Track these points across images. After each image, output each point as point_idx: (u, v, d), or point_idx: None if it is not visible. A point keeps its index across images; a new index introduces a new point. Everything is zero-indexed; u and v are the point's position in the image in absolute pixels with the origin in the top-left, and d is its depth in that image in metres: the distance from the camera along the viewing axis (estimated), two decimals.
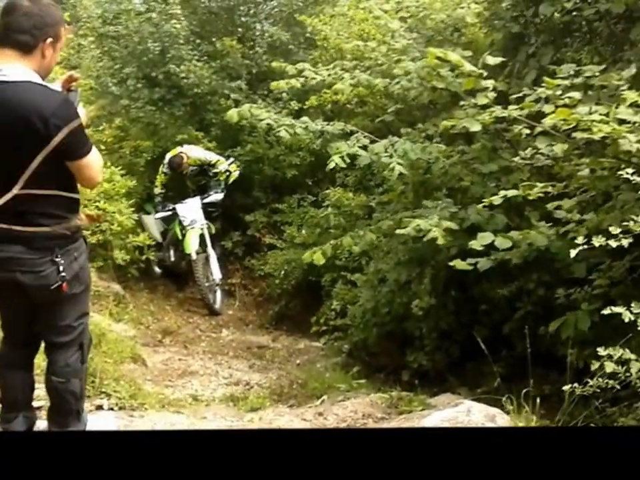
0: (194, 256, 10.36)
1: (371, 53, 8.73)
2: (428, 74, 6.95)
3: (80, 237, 4.17)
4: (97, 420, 4.99)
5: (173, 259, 11.09)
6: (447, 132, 7.31)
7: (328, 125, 7.64)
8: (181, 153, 10.98)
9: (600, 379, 4.32)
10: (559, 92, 5.32)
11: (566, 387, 4.54)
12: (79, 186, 4.11)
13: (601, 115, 5.05)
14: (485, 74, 6.16)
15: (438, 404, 5.86)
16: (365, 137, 7.21)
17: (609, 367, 4.09)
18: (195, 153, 11.07)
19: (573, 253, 4.63)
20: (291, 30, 12.30)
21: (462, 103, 6.40)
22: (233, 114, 7.46)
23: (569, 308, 6.06)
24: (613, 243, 4.43)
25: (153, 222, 11.09)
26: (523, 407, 4.97)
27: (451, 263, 5.93)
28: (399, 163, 6.64)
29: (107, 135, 11.31)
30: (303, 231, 10.66)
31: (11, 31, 3.83)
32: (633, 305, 4.15)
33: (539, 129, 5.61)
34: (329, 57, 11.04)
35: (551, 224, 5.80)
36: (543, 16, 7.10)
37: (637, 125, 5.00)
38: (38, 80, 3.85)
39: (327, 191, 10.32)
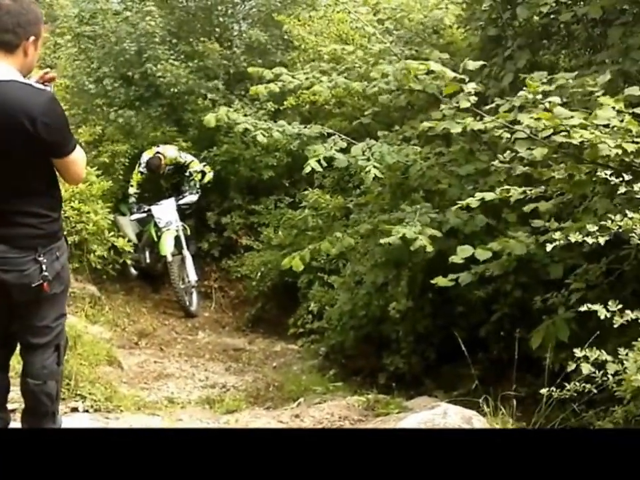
0: (169, 258, 10.32)
1: (348, 56, 8.72)
2: (405, 76, 6.95)
3: (62, 236, 4.17)
4: (72, 422, 4.96)
5: (148, 260, 11.03)
6: (424, 134, 7.32)
7: (305, 127, 7.62)
8: (158, 153, 10.93)
9: (577, 383, 4.32)
10: (539, 96, 5.32)
11: (543, 390, 4.54)
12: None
13: (579, 118, 5.06)
14: (467, 79, 6.17)
15: (414, 407, 5.85)
16: (342, 139, 7.19)
17: (586, 368, 4.09)
18: (170, 152, 11.03)
19: (549, 247, 4.64)
20: (269, 31, 12.27)
21: (442, 107, 6.39)
22: (210, 119, 7.42)
23: (545, 311, 6.07)
24: (590, 240, 4.43)
25: (128, 223, 11.03)
26: (499, 409, 4.97)
27: (433, 281, 5.94)
28: (375, 166, 6.63)
29: (83, 134, 11.23)
30: (280, 233, 10.62)
31: None
32: (610, 303, 4.15)
33: (518, 134, 5.61)
34: (306, 58, 11.03)
35: (529, 229, 5.80)
36: (522, 19, 7.12)
37: (615, 129, 5.01)
38: (22, 79, 3.84)
39: (305, 192, 10.29)
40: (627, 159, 5.03)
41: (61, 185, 4.16)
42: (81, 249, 9.47)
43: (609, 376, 4.07)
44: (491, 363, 6.90)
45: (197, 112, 11.44)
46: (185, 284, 10.46)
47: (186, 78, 11.46)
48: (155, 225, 10.77)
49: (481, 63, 6.63)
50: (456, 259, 5.74)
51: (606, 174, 4.61)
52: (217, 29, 12.62)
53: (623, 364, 3.97)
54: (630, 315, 4.06)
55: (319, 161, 6.77)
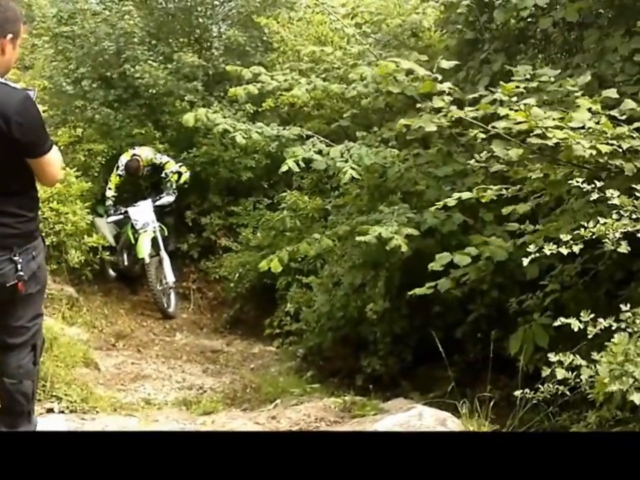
0: (147, 259, 10.29)
1: (327, 57, 8.73)
2: (384, 79, 6.97)
3: (38, 235, 4.16)
4: (47, 422, 4.94)
5: (126, 262, 11.01)
6: (402, 136, 7.35)
7: (284, 129, 7.63)
8: (135, 155, 10.92)
9: (550, 385, 4.34)
10: (514, 98, 5.35)
11: (517, 393, 4.56)
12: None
13: (554, 119, 5.09)
14: (440, 77, 6.19)
15: (391, 408, 5.86)
16: (320, 141, 7.20)
17: (560, 373, 4.11)
18: (146, 153, 11.02)
19: (525, 261, 4.66)
20: (248, 32, 12.25)
21: (418, 105, 6.41)
22: (189, 118, 7.42)
23: (521, 313, 6.10)
24: (564, 250, 4.46)
25: (105, 225, 10.98)
26: (474, 411, 4.99)
27: (411, 292, 5.99)
28: (352, 168, 6.65)
29: (62, 136, 11.19)
30: (258, 234, 10.62)
31: None
32: (582, 313, 4.17)
33: (494, 133, 5.64)
34: (286, 60, 11.02)
35: (504, 231, 5.84)
36: (499, 23, 7.16)
37: (590, 130, 5.05)
38: None
39: (283, 194, 10.29)
40: (601, 160, 5.06)
41: (39, 184, 4.15)
42: (59, 250, 9.43)
43: (582, 378, 4.09)
44: (467, 364, 6.92)
45: (175, 113, 11.42)
46: (163, 285, 10.43)
47: (164, 79, 11.42)
48: (132, 226, 10.73)
49: (455, 62, 6.66)
50: (435, 266, 5.77)
51: (578, 181, 4.63)
52: (196, 30, 12.59)
53: (595, 368, 3.99)
54: (603, 323, 4.08)
55: (296, 162, 6.79)
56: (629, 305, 4.12)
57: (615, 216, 4.39)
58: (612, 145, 4.97)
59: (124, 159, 10.96)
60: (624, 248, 4.34)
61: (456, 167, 6.82)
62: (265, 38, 12.23)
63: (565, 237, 4.47)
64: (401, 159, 7.14)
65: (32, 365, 4.31)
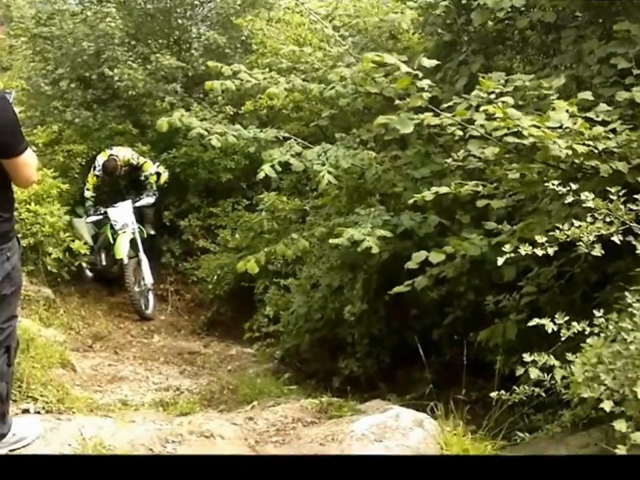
0: (125, 260, 10.27)
1: (307, 57, 8.74)
2: (362, 79, 6.98)
3: (14, 236, 4.13)
4: (22, 422, 4.91)
5: (104, 263, 10.97)
6: (381, 137, 7.36)
7: (261, 131, 7.62)
8: (112, 155, 10.91)
9: (526, 387, 4.36)
10: (493, 96, 5.37)
11: (493, 394, 4.58)
12: None
13: (532, 120, 5.12)
14: (421, 75, 6.21)
15: (368, 410, 5.86)
16: (298, 143, 7.20)
17: (534, 372, 4.13)
18: (124, 153, 11.01)
19: (500, 261, 4.68)
20: (228, 33, 12.26)
21: (396, 102, 6.42)
22: (162, 123, 7.40)
23: (498, 314, 6.12)
24: (539, 252, 4.47)
25: (84, 225, 10.95)
26: (450, 412, 5.00)
27: (391, 292, 6.01)
28: (329, 172, 6.65)
29: (40, 137, 11.15)
30: (237, 235, 10.60)
31: None
32: (557, 315, 4.19)
33: (471, 132, 5.66)
34: (265, 62, 11.02)
35: (482, 232, 5.85)
36: (476, 24, 7.18)
37: (567, 130, 5.07)
38: None
39: (261, 195, 10.29)
40: (577, 161, 5.09)
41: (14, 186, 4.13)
42: (36, 251, 9.39)
43: (557, 379, 4.11)
44: (444, 366, 6.93)
45: (154, 114, 11.38)
46: (141, 287, 10.40)
47: (143, 80, 11.41)
48: (111, 227, 10.71)
49: (435, 61, 6.68)
50: (411, 264, 5.79)
51: (554, 183, 4.65)
52: (176, 32, 12.59)
53: (570, 369, 4.01)
54: (577, 326, 4.10)
55: (273, 166, 6.78)
56: (602, 311, 4.14)
57: (589, 219, 4.41)
58: (588, 145, 4.99)
59: (101, 159, 10.95)
60: (598, 251, 4.36)
61: (434, 168, 6.83)
62: (244, 39, 12.23)
63: (540, 239, 4.48)
64: (378, 161, 7.15)
65: (6, 367, 4.28)
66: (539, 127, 5.02)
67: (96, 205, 10.99)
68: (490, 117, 5.31)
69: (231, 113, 11.27)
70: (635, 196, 4.43)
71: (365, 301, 7.40)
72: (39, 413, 5.50)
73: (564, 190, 4.56)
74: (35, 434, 4.77)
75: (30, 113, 11.73)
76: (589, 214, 4.44)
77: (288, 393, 7.07)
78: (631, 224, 4.38)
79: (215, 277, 10.48)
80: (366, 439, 4.72)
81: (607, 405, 3.74)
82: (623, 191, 4.48)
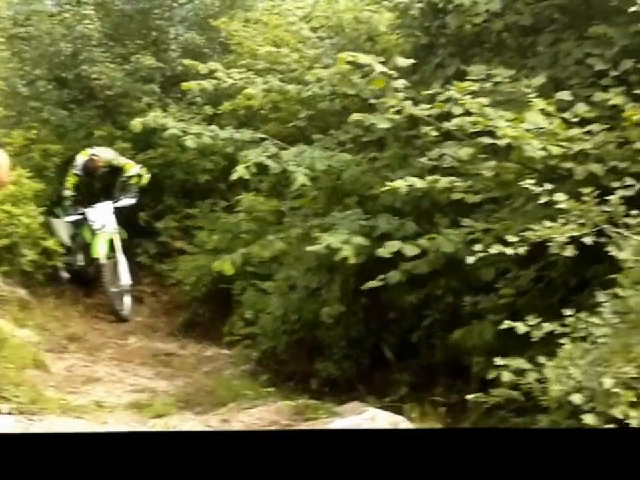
0: (103, 261, 10.21)
1: (284, 58, 8.72)
2: (340, 81, 6.97)
3: None
4: None
5: (81, 263, 10.89)
6: (358, 139, 7.35)
7: (237, 132, 7.59)
8: (93, 155, 10.83)
9: (502, 389, 4.36)
10: (468, 96, 5.37)
11: (469, 396, 4.57)
12: None
13: (507, 120, 5.12)
14: (396, 75, 6.20)
15: (345, 412, 5.86)
16: (274, 144, 7.18)
17: (506, 376, 4.14)
18: (105, 154, 10.94)
19: (470, 259, 4.68)
20: (206, 34, 12.21)
21: (372, 101, 6.41)
22: (136, 124, 7.36)
23: (476, 316, 6.12)
24: (509, 251, 4.48)
25: (62, 225, 10.87)
26: (426, 414, 5.00)
27: (363, 287, 6.01)
28: (304, 173, 6.63)
29: (16, 137, 11.06)
30: (214, 237, 10.55)
31: None
32: (529, 317, 4.20)
33: (447, 133, 5.67)
34: (242, 62, 10.99)
35: (457, 229, 5.86)
36: (452, 27, 7.18)
37: (542, 130, 5.07)
38: None
39: (240, 196, 10.26)
40: (551, 162, 5.09)
41: None
42: (11, 252, 9.32)
43: (534, 383, 4.11)
44: (423, 368, 6.93)
45: (132, 115, 11.26)
46: (118, 288, 10.33)
47: (121, 81, 11.36)
48: (89, 227, 10.63)
49: (411, 60, 6.67)
50: (383, 252, 5.79)
51: (528, 183, 4.65)
52: (154, 32, 12.51)
53: (542, 373, 4.02)
54: (547, 327, 4.11)
55: (248, 167, 6.76)
56: (574, 310, 4.15)
57: (561, 220, 4.42)
58: (563, 147, 5.00)
59: (80, 158, 10.87)
60: (570, 252, 4.37)
61: (411, 171, 6.82)
62: (222, 41, 12.19)
63: (511, 239, 4.49)
64: (356, 163, 7.14)
65: None
66: (514, 127, 5.02)
67: (75, 205, 10.91)
68: (467, 112, 5.31)
69: (209, 113, 11.21)
70: (607, 197, 4.43)
71: (342, 303, 7.38)
72: (10, 413, 5.46)
73: (538, 190, 4.56)
74: None
75: (7, 113, 11.63)
76: (562, 215, 4.45)
77: (265, 394, 7.03)
78: (603, 226, 4.38)
79: (193, 279, 10.41)
80: None
81: (577, 398, 3.75)
82: (597, 192, 4.48)
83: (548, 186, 4.56)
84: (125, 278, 10.33)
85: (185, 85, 7.61)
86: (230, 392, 7.13)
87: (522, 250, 4.48)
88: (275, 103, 9.91)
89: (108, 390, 7.50)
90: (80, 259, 10.90)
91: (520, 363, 4.15)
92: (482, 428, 4.83)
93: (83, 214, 10.70)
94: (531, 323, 4.18)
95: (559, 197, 4.44)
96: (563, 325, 4.09)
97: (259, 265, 9.23)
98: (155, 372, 8.46)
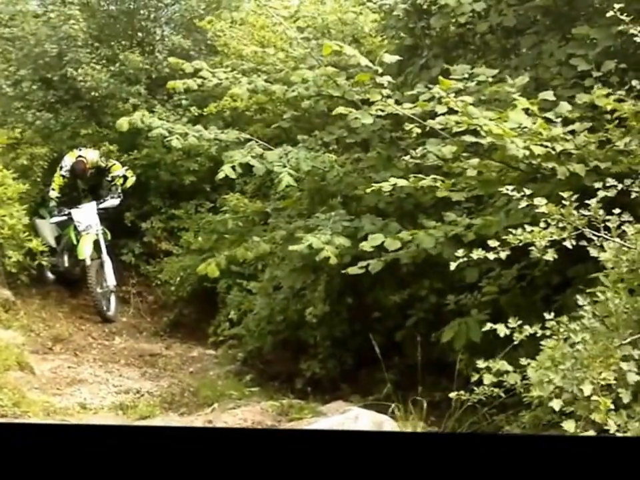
0: (88, 262, 10.18)
1: (269, 58, 8.73)
2: (325, 82, 6.99)
3: None
4: None
5: (66, 264, 10.86)
6: (343, 140, 7.37)
7: (222, 133, 7.59)
8: (81, 157, 10.82)
9: (486, 387, 4.38)
10: (452, 94, 5.40)
11: (453, 394, 4.59)
12: None
13: (491, 119, 5.14)
14: (381, 70, 6.23)
15: (329, 411, 5.88)
16: (259, 145, 7.19)
17: (487, 378, 4.16)
18: (91, 156, 10.92)
19: (452, 265, 4.70)
20: (192, 36, 12.21)
21: (356, 97, 6.44)
22: (122, 123, 7.35)
23: (459, 314, 6.15)
24: (491, 256, 4.50)
25: (47, 226, 10.85)
26: (409, 412, 5.01)
27: (344, 271, 6.00)
28: (289, 174, 6.64)
29: (1, 138, 11.03)
30: (200, 238, 10.55)
31: None
32: (510, 320, 4.23)
33: (430, 131, 5.70)
34: (228, 62, 10.99)
35: (439, 224, 5.90)
36: (437, 29, 7.21)
37: (525, 129, 5.10)
38: None
39: (225, 197, 10.27)
40: (534, 162, 5.11)
41: None
42: None
43: (512, 383, 4.14)
44: (408, 367, 6.94)
45: (117, 116, 11.18)
46: (103, 288, 10.31)
47: (107, 82, 11.33)
48: (75, 228, 10.62)
49: (397, 57, 6.69)
50: (366, 245, 5.82)
51: (507, 189, 4.66)
52: (139, 33, 12.49)
53: (524, 372, 4.05)
54: (529, 330, 4.14)
55: (233, 167, 6.76)
56: (553, 314, 4.17)
57: (542, 224, 4.44)
58: (546, 147, 5.02)
59: (69, 159, 10.84)
60: (550, 255, 4.39)
61: (395, 172, 6.84)
62: (208, 42, 12.19)
63: (492, 243, 4.50)
64: (340, 164, 7.16)
65: None
66: (497, 126, 5.05)
67: (60, 206, 10.88)
68: (451, 110, 5.34)
69: (195, 114, 11.20)
70: (587, 201, 4.45)
71: (327, 303, 7.41)
72: None
73: (518, 195, 4.57)
74: None
75: None
76: (542, 219, 4.47)
77: (249, 395, 7.06)
78: (583, 229, 4.40)
79: (178, 279, 10.41)
80: None
81: (556, 404, 3.77)
82: (576, 196, 4.50)
83: (527, 191, 4.56)
84: (111, 279, 10.32)
85: (170, 84, 7.60)
86: (214, 392, 7.14)
87: (503, 255, 4.50)
88: (260, 104, 9.94)
89: (92, 391, 7.50)
90: (65, 260, 10.87)
91: (501, 365, 4.17)
92: (467, 433, 4.85)
93: (68, 215, 10.68)
94: (512, 326, 4.20)
95: (539, 201, 4.46)
96: (544, 328, 4.11)
97: (244, 265, 9.24)
98: (140, 373, 8.46)
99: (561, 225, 4.41)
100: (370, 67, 6.28)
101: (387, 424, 4.97)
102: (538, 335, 4.13)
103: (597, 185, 4.54)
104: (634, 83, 5.44)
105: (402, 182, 5.71)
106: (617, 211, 4.40)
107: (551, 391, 3.80)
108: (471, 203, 6.24)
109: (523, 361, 4.11)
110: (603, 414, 3.71)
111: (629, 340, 3.96)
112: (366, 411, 5.23)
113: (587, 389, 3.73)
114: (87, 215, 10.59)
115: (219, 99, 10.55)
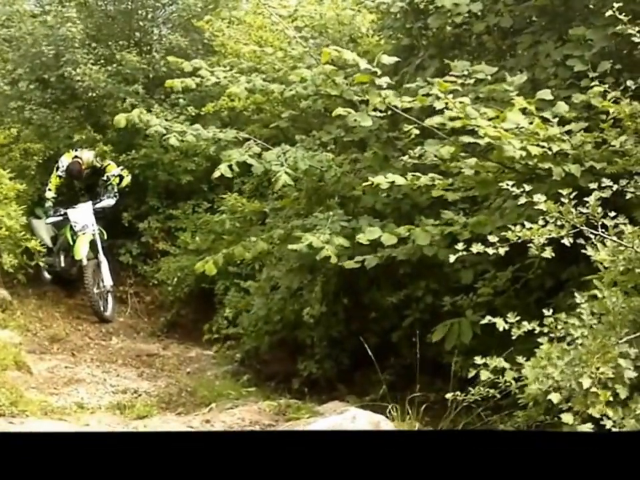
0: (84, 262, 10.18)
1: (268, 57, 8.72)
2: (323, 82, 6.99)
3: None
4: None
5: (63, 264, 10.86)
6: (340, 139, 7.38)
7: (221, 132, 7.59)
8: (77, 158, 10.82)
9: (481, 388, 4.39)
10: (450, 95, 5.41)
11: (449, 395, 4.60)
12: None
13: (489, 120, 5.15)
14: (380, 72, 6.24)
15: (326, 412, 5.88)
16: (257, 144, 7.19)
17: (484, 375, 4.17)
18: (87, 156, 10.92)
19: (452, 258, 4.70)
20: (189, 35, 12.19)
21: (355, 98, 6.45)
22: (120, 119, 7.35)
23: (455, 315, 6.17)
24: (490, 251, 4.50)
25: (43, 226, 10.85)
26: (406, 413, 5.02)
27: (341, 263, 6.02)
28: (287, 173, 6.65)
29: None
30: (197, 238, 10.55)
31: None
32: (508, 315, 4.23)
33: (428, 132, 5.71)
34: (226, 62, 10.98)
35: (437, 223, 5.91)
36: (433, 29, 7.22)
37: (522, 129, 5.11)
38: None
39: (222, 197, 10.27)
40: (530, 162, 5.12)
41: None
42: None
43: (512, 382, 4.15)
44: (404, 368, 6.96)
45: (115, 115, 11.26)
46: (100, 289, 10.31)
47: (105, 82, 11.32)
48: (71, 228, 10.61)
49: (395, 58, 6.70)
50: (362, 238, 5.84)
51: (508, 184, 4.67)
52: (137, 33, 12.49)
53: (520, 372, 4.06)
54: (527, 326, 4.15)
55: (230, 166, 6.76)
56: (551, 311, 4.18)
57: (540, 222, 4.45)
58: (542, 147, 5.03)
59: (65, 160, 10.85)
60: (548, 253, 4.40)
61: (392, 172, 6.85)
62: (206, 42, 12.19)
63: (492, 239, 4.51)
64: (337, 163, 7.16)
65: None
66: (495, 127, 5.06)
67: (56, 206, 10.88)
68: (448, 108, 5.35)
69: (192, 114, 11.19)
70: (586, 199, 4.46)
71: (324, 304, 7.41)
72: None
73: (517, 191, 4.59)
74: None
75: None
76: (541, 216, 4.48)
77: (247, 395, 7.06)
78: (582, 227, 4.41)
79: (175, 279, 10.41)
80: None
81: (555, 397, 3.78)
82: (574, 194, 4.51)
83: (527, 187, 4.58)
84: (107, 279, 10.31)
85: (168, 82, 7.61)
86: (212, 392, 7.14)
87: (502, 251, 4.51)
88: (258, 104, 9.93)
89: (90, 391, 7.49)
90: (62, 260, 10.87)
91: (499, 362, 4.18)
92: (463, 430, 4.87)
93: (64, 215, 10.67)
94: (510, 321, 4.21)
95: (538, 197, 4.47)
96: (542, 325, 4.12)
97: (241, 265, 9.25)
98: (137, 373, 8.46)
99: (559, 222, 4.41)
100: (369, 69, 6.27)
101: (383, 424, 4.98)
102: (536, 332, 4.14)
103: (592, 185, 4.54)
104: (629, 83, 5.46)
105: (399, 179, 5.72)
106: (612, 214, 4.42)
107: (549, 385, 3.82)
108: (466, 204, 6.26)
109: (520, 360, 4.13)
110: (602, 405, 3.74)
111: (625, 339, 3.97)
112: (363, 412, 5.23)
113: (586, 382, 3.75)
114: (83, 215, 10.58)
115: (217, 99, 10.56)
